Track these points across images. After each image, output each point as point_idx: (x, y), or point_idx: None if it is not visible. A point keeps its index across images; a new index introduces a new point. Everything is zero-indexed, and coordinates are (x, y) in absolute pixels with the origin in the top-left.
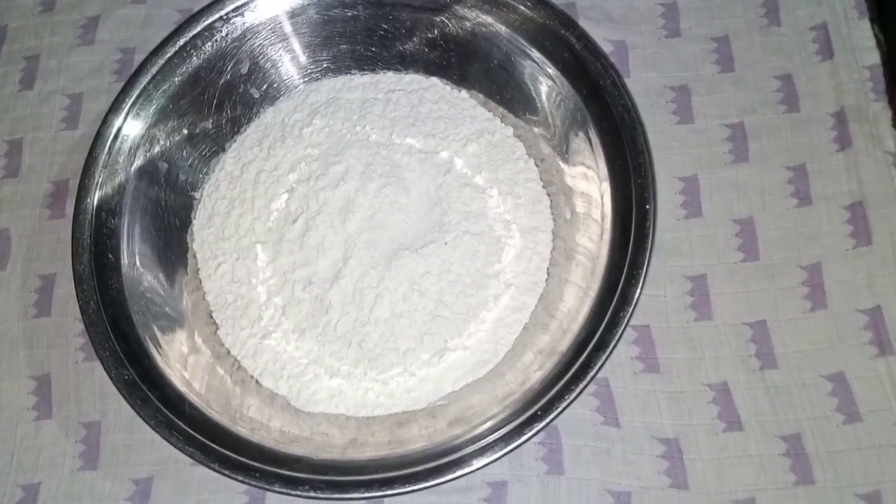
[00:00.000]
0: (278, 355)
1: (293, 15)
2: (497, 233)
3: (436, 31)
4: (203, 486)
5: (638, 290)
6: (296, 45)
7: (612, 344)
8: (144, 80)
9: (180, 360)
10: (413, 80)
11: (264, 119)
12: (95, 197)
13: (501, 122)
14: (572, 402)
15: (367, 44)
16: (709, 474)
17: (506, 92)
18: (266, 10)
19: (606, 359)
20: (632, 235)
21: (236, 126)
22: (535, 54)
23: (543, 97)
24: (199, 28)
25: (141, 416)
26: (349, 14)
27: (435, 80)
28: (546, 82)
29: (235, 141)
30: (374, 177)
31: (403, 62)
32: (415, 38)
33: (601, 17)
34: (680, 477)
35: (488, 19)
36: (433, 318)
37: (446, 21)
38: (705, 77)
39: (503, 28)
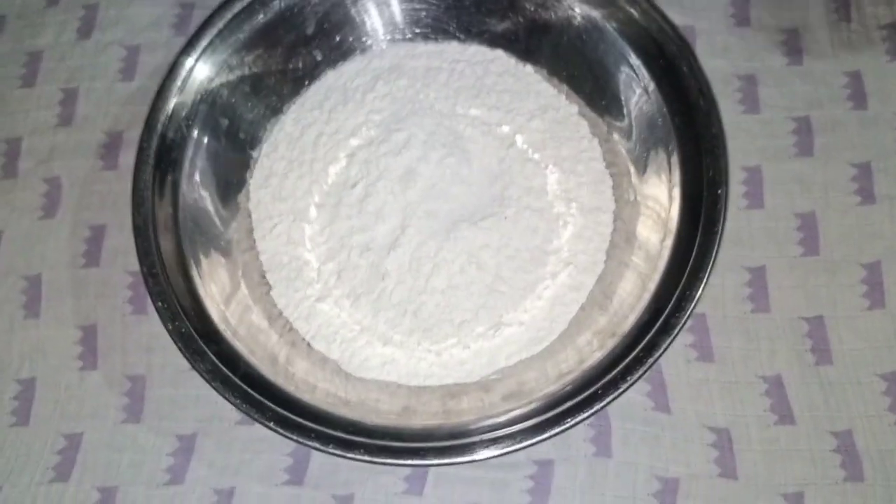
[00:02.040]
0: (331, 319)
1: None
2: (557, 210)
3: (530, 11)
4: (248, 445)
5: (706, 275)
6: (368, 7)
7: (678, 328)
8: (211, 34)
9: (234, 317)
10: (478, 52)
11: (326, 81)
12: (157, 148)
13: (566, 99)
14: (633, 384)
15: (451, 14)
16: (758, 466)
17: (573, 69)
18: None
19: (671, 343)
20: (701, 220)
21: (298, 87)
22: (615, 37)
23: (620, 84)
24: None
25: (196, 370)
26: None
27: (500, 52)
28: (625, 69)
29: (296, 102)
30: (436, 146)
31: (469, 34)
32: (510, 15)
33: (671, 1)
34: (729, 467)
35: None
36: (490, 292)
37: (549, 5)
38: (773, 68)
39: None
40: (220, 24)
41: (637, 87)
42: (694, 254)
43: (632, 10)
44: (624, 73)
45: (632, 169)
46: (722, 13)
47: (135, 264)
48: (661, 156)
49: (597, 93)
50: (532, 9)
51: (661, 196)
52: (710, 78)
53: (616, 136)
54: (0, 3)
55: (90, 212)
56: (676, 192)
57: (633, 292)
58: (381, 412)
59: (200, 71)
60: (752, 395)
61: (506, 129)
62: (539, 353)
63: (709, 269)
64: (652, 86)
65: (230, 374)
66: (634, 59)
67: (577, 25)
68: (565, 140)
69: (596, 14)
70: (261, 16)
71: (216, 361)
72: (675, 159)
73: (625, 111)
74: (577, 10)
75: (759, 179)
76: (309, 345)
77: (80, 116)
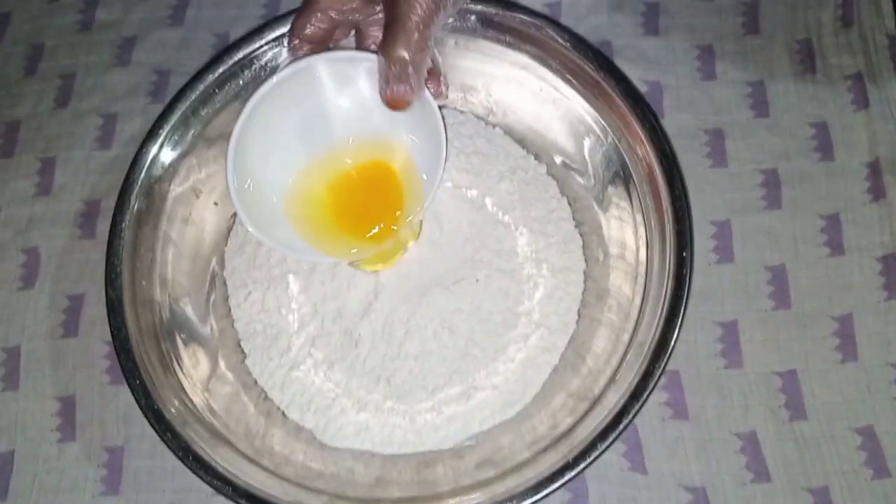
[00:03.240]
0: (306, 387)
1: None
2: (528, 271)
3: (497, 75)
4: None
5: (674, 340)
6: None
7: (647, 393)
8: (182, 107)
9: (207, 389)
10: (447, 114)
11: None
12: (130, 222)
13: (535, 159)
14: (606, 450)
15: None
16: None
17: (540, 131)
18: None
19: (640, 408)
20: (668, 282)
21: None
22: (575, 98)
23: (583, 143)
24: (240, 55)
25: (170, 448)
26: None
27: (469, 114)
28: (586, 130)
29: None
30: None
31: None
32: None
33: (637, 57)
34: None
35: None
36: (463, 356)
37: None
38: (740, 121)
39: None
40: (192, 97)
41: (602, 149)
42: (662, 317)
43: (598, 80)
44: (591, 136)
45: (602, 227)
46: (688, 68)
47: None
48: (627, 217)
49: (564, 153)
50: (503, 77)
51: (629, 256)
52: (677, 133)
53: (585, 195)
54: None
55: (68, 281)
56: (643, 253)
57: (606, 351)
58: (357, 484)
59: (172, 143)
60: (727, 452)
61: (475, 191)
62: (513, 416)
63: (675, 335)
64: (616, 147)
65: (204, 450)
66: (599, 121)
67: (542, 92)
68: (535, 200)
69: (563, 85)
70: (233, 86)
71: (187, 440)
72: (639, 218)
73: (592, 170)
74: (547, 82)
75: (729, 233)
76: (284, 414)
77: (58, 186)
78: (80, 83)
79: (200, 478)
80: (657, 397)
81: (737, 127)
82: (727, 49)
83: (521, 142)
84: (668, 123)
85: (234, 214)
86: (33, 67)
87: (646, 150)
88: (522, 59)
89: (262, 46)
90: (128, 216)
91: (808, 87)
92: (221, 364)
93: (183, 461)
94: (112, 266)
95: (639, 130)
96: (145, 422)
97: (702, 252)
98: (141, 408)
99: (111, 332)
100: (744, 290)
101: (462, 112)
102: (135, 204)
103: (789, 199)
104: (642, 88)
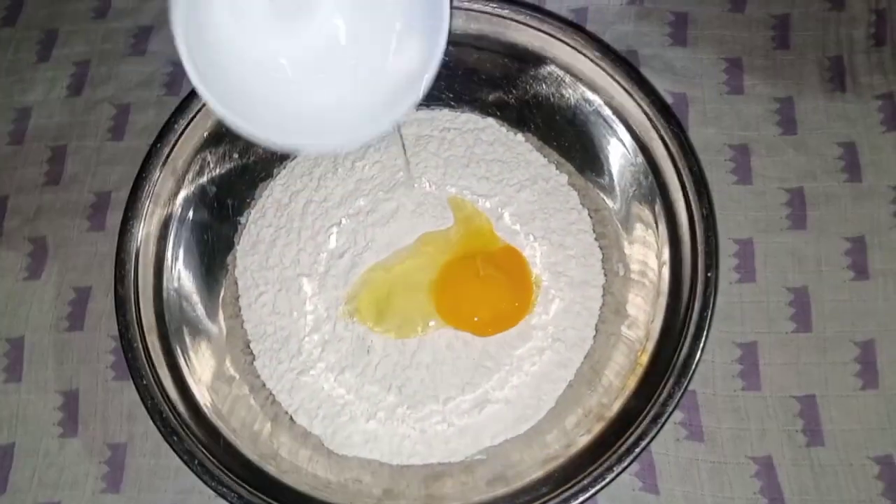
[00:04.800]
0: (315, 393)
1: None
2: (545, 284)
3: (522, 82)
4: None
5: (696, 361)
6: None
7: (666, 416)
8: (200, 102)
9: (213, 389)
10: (469, 120)
11: None
12: (142, 218)
13: (556, 168)
14: (621, 473)
15: (444, 81)
16: None
17: (563, 140)
18: None
19: (658, 431)
20: (692, 302)
21: (287, 153)
22: (606, 111)
23: (611, 161)
24: None
25: (175, 451)
26: None
27: (490, 120)
28: (616, 144)
29: (285, 168)
30: (425, 217)
31: (461, 101)
32: (504, 86)
33: (663, 68)
34: None
35: (568, 77)
36: (476, 368)
37: (535, 73)
38: (766, 138)
39: (579, 84)
40: None
41: (628, 160)
42: (684, 338)
43: (627, 91)
44: (614, 146)
45: (622, 241)
46: (715, 81)
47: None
48: (650, 231)
49: (587, 163)
50: (528, 84)
51: (650, 271)
52: (702, 147)
53: (606, 207)
54: None
55: (75, 273)
56: (666, 270)
57: (623, 369)
58: (364, 495)
59: (188, 139)
60: (741, 476)
61: (494, 200)
62: (525, 432)
63: (698, 356)
64: (642, 159)
65: (207, 454)
66: (625, 133)
67: (569, 101)
68: (555, 211)
69: (590, 94)
70: None
71: (193, 441)
72: (664, 236)
73: (615, 182)
74: (574, 90)
75: (751, 252)
76: (291, 419)
77: (68, 175)
78: (94, 71)
79: (205, 482)
80: (672, 416)
81: (763, 143)
82: (756, 63)
83: (542, 150)
84: (693, 137)
85: (248, 212)
86: (47, 54)
87: (673, 167)
88: (549, 66)
89: None
90: (140, 211)
91: (837, 106)
92: (228, 365)
93: (188, 465)
94: (122, 262)
95: (668, 145)
96: (149, 420)
97: (723, 271)
98: (147, 409)
99: (119, 330)
100: (765, 311)
101: (483, 118)
102: (147, 199)
103: (814, 220)
104: (668, 100)
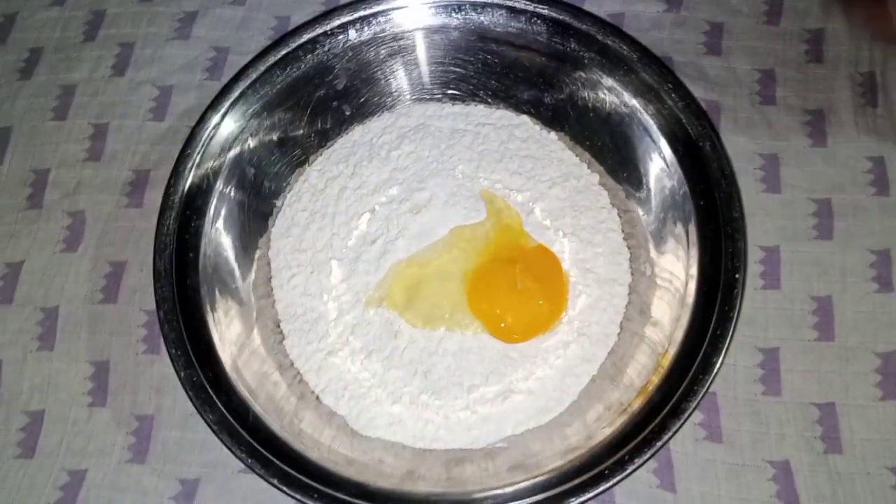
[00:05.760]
0: (342, 374)
1: (397, 38)
2: (573, 279)
3: (559, 81)
4: (249, 495)
5: (720, 361)
6: (398, 68)
7: (688, 412)
8: (244, 85)
9: (245, 365)
10: (503, 116)
11: (353, 136)
12: (183, 194)
13: (588, 168)
14: (641, 466)
15: (481, 78)
16: None
17: (596, 140)
18: (372, 30)
19: (680, 427)
20: (717, 303)
21: (324, 140)
22: (641, 114)
23: (643, 158)
24: (303, 39)
25: (206, 422)
26: (478, 46)
27: (525, 117)
28: (649, 144)
29: (322, 154)
30: (457, 208)
31: (496, 98)
32: (540, 85)
33: (697, 76)
34: None
35: (605, 79)
36: (501, 358)
37: (572, 74)
38: (796, 148)
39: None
40: (253, 76)
41: (660, 163)
42: (708, 337)
43: (662, 95)
44: (647, 149)
45: (650, 242)
46: (747, 90)
47: (151, 303)
48: (679, 232)
49: (619, 164)
50: (564, 84)
51: (677, 272)
52: (732, 154)
53: (635, 208)
54: (38, 36)
55: (112, 248)
56: (693, 270)
57: (646, 367)
58: (385, 475)
59: (230, 122)
60: (758, 479)
61: (526, 195)
62: (547, 423)
63: (722, 355)
64: (675, 162)
65: (238, 426)
66: (658, 136)
67: (605, 102)
68: (585, 209)
69: (626, 96)
70: (293, 69)
71: (225, 413)
72: (693, 237)
73: (646, 184)
74: (610, 92)
75: (777, 260)
76: (318, 398)
77: (109, 152)
78: (139, 53)
79: (234, 453)
80: (692, 417)
81: (793, 154)
82: (789, 75)
83: (574, 150)
84: (725, 144)
85: (283, 196)
86: (93, 33)
87: (707, 171)
88: (586, 67)
89: (325, 32)
90: (181, 186)
91: (868, 121)
92: (258, 343)
93: (217, 435)
94: (162, 235)
95: (702, 151)
96: (177, 393)
97: (749, 277)
98: (180, 379)
99: (156, 300)
100: (788, 318)
101: (518, 115)
102: (189, 175)
103: (841, 231)
104: None
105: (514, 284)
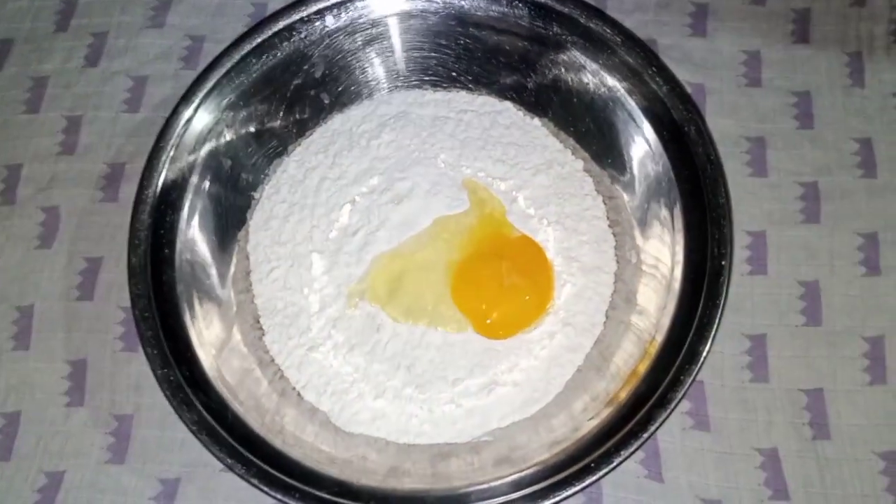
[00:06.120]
0: (324, 369)
1: (375, 24)
2: (557, 268)
3: (541, 66)
4: (231, 493)
5: (706, 349)
6: (376, 54)
7: (675, 402)
8: (218, 74)
9: (224, 362)
10: (486, 102)
11: (332, 125)
12: (157, 188)
13: (572, 154)
14: (627, 458)
15: (462, 63)
16: None
17: (580, 126)
18: (349, 16)
19: (667, 417)
20: (704, 290)
21: (303, 129)
22: (625, 99)
23: (627, 144)
24: (278, 27)
25: (184, 421)
26: (459, 31)
27: (508, 104)
28: (633, 129)
29: (300, 144)
30: (439, 197)
31: (478, 83)
32: (523, 70)
33: (682, 58)
34: None
35: (588, 63)
36: (485, 350)
37: (555, 58)
38: (783, 131)
39: (599, 70)
40: (227, 65)
41: (644, 148)
42: (695, 326)
43: (647, 78)
44: (632, 133)
45: (635, 229)
46: (733, 73)
47: (128, 300)
48: (665, 218)
49: (603, 150)
50: (547, 69)
51: (663, 258)
52: (718, 138)
53: (620, 194)
54: (8, 27)
55: (87, 243)
56: (679, 257)
57: (633, 356)
58: (369, 471)
59: (205, 113)
60: (746, 467)
61: (509, 182)
62: (533, 415)
63: (709, 344)
64: (660, 147)
65: (217, 426)
66: (643, 120)
67: (588, 86)
68: (569, 196)
69: (610, 80)
70: (269, 58)
71: (203, 413)
72: (679, 223)
73: (630, 169)
74: (593, 76)
75: (763, 245)
76: (299, 394)
77: (83, 145)
78: (112, 43)
79: (213, 453)
80: (679, 406)
81: (779, 136)
82: (775, 56)
83: (558, 136)
84: (710, 128)
85: (262, 187)
86: (65, 23)
87: (692, 155)
88: (569, 51)
89: (301, 19)
90: (155, 181)
91: (855, 102)
92: (238, 339)
93: (196, 435)
94: (136, 231)
95: (687, 134)
96: (156, 391)
97: (735, 262)
98: (157, 378)
99: (131, 298)
100: (775, 303)
101: (501, 101)
102: (163, 169)
103: (828, 215)
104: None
105: (500, 282)
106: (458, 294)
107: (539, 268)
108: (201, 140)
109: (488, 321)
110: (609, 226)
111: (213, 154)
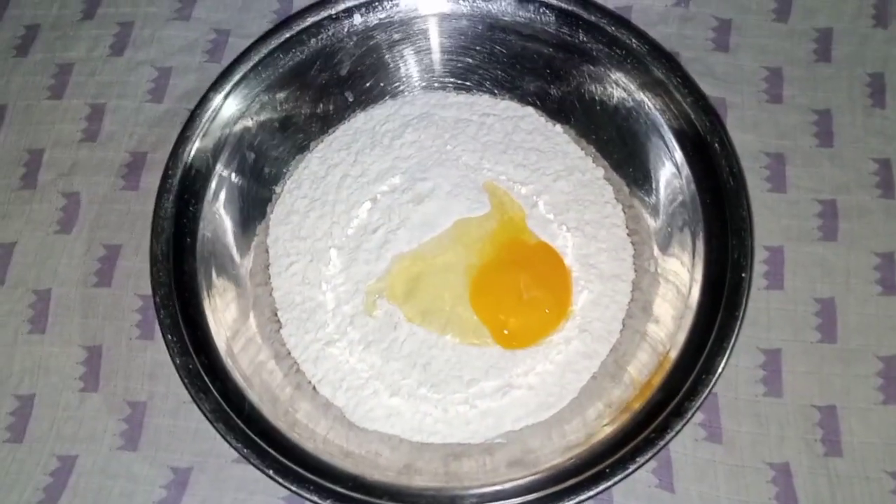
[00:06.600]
0: (340, 365)
1: (403, 25)
2: (575, 275)
3: (566, 73)
4: (242, 484)
5: (724, 360)
6: (403, 55)
7: (692, 411)
8: (246, 67)
9: (241, 352)
10: (509, 107)
11: (355, 123)
12: (181, 176)
13: (593, 162)
14: (641, 466)
15: (487, 68)
16: None
17: (602, 134)
18: (378, 16)
19: (683, 426)
20: (723, 303)
21: (326, 126)
22: (648, 109)
23: (649, 154)
24: (307, 23)
25: (201, 410)
26: (486, 35)
27: (530, 109)
28: (656, 140)
29: (323, 141)
30: (460, 199)
31: (502, 88)
32: (547, 77)
33: (704, 72)
34: None
35: (613, 72)
36: (501, 352)
37: (580, 66)
38: (802, 148)
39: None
40: (256, 58)
41: (666, 159)
42: (713, 336)
43: (671, 89)
44: (654, 144)
45: (654, 238)
46: (755, 88)
47: (146, 288)
48: (685, 230)
49: (624, 159)
50: (571, 76)
51: (681, 270)
52: (738, 153)
53: (640, 204)
54: (35, 13)
55: (107, 230)
56: (699, 269)
57: (648, 366)
58: (382, 468)
59: (231, 104)
60: (758, 481)
61: (531, 188)
62: (546, 419)
63: (727, 355)
64: (682, 159)
65: (233, 415)
66: (666, 131)
67: (612, 95)
68: (589, 204)
69: (634, 89)
70: (297, 53)
71: (220, 401)
72: (699, 234)
73: (652, 180)
74: (617, 85)
75: (781, 260)
76: (314, 389)
77: (106, 133)
78: (138, 33)
79: (229, 442)
80: (692, 417)
81: (799, 154)
82: (796, 74)
83: (580, 143)
84: None
85: (283, 182)
86: (92, 12)
87: (714, 168)
88: (594, 60)
89: (329, 17)
90: (180, 169)
91: (875, 122)
92: (255, 331)
93: (212, 423)
94: (159, 219)
95: (710, 147)
96: (170, 380)
97: (752, 277)
98: (175, 366)
99: (152, 285)
100: (791, 319)
101: (523, 106)
102: (188, 158)
103: (845, 233)
104: None
105: (519, 294)
106: (477, 304)
107: (558, 278)
108: (227, 130)
109: (506, 332)
110: (628, 234)
111: (237, 145)
